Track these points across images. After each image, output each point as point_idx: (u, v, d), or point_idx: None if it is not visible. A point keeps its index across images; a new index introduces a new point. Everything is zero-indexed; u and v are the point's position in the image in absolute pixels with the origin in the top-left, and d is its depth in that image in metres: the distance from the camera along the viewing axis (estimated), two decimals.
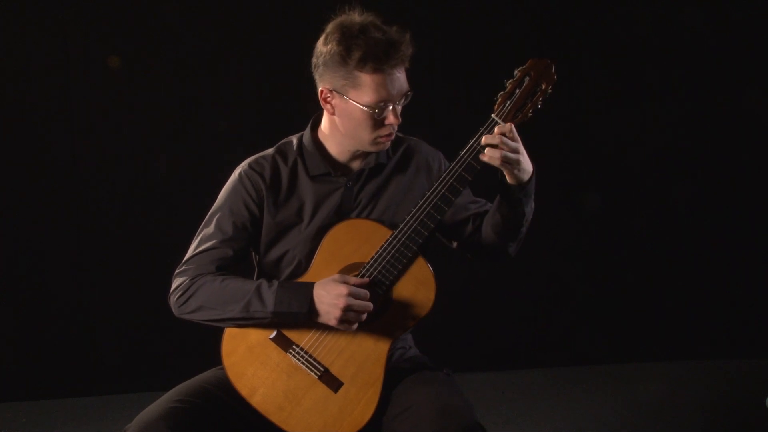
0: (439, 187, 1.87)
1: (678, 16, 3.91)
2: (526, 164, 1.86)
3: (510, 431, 3.25)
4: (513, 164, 1.82)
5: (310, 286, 1.86)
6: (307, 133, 2.04)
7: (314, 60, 1.93)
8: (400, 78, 1.89)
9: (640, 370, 3.92)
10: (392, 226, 1.90)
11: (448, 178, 1.87)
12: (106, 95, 3.68)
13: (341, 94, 1.90)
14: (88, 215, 3.72)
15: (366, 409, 1.85)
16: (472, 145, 1.86)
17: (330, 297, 1.82)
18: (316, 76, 1.94)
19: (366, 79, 1.86)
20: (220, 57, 3.73)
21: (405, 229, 1.87)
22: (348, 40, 1.85)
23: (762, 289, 4.03)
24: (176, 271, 1.98)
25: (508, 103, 1.87)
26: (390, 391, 1.88)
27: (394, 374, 1.91)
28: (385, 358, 1.87)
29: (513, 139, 1.82)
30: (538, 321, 4.03)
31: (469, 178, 1.86)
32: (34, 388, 3.69)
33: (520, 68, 1.89)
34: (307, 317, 1.85)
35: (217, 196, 2.04)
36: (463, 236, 2.06)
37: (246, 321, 1.90)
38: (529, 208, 1.95)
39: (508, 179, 1.86)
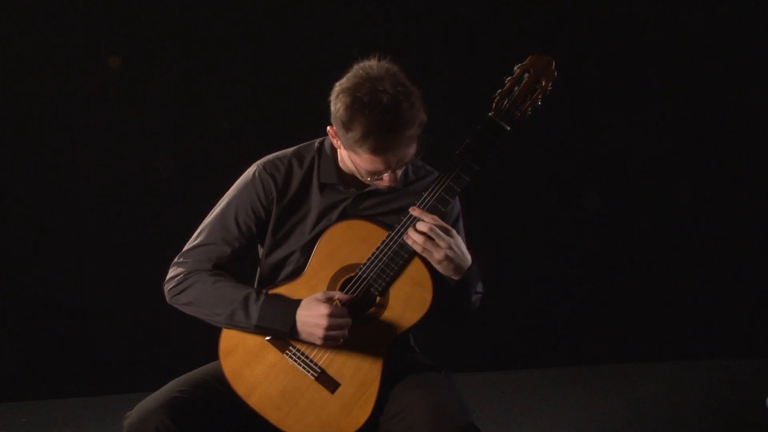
0: (436, 188, 1.86)
1: (678, 16, 3.90)
2: (458, 263, 1.84)
3: (510, 431, 3.25)
4: (436, 261, 1.83)
5: (295, 305, 1.86)
6: (328, 139, 2.02)
7: (330, 98, 1.87)
8: (399, 154, 1.83)
9: (640, 370, 3.91)
10: (389, 227, 1.89)
11: (445, 178, 1.86)
12: (106, 95, 3.68)
13: (343, 146, 1.88)
14: (88, 215, 3.72)
15: (363, 410, 1.85)
16: (468, 144, 1.85)
17: (312, 318, 1.83)
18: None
19: (362, 153, 1.82)
20: (221, 57, 3.73)
21: (401, 229, 1.86)
22: (352, 111, 1.78)
23: (762, 289, 4.02)
24: (175, 260, 2.00)
25: (506, 101, 1.86)
26: (387, 392, 1.88)
27: (392, 374, 1.90)
28: (383, 359, 1.87)
29: (447, 235, 1.81)
30: (538, 321, 4.02)
31: (467, 179, 1.85)
32: (34, 388, 3.69)
33: (520, 65, 1.88)
34: (290, 335, 1.86)
35: (218, 196, 2.05)
36: None
37: (231, 327, 1.92)
38: (467, 299, 1.93)
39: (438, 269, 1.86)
